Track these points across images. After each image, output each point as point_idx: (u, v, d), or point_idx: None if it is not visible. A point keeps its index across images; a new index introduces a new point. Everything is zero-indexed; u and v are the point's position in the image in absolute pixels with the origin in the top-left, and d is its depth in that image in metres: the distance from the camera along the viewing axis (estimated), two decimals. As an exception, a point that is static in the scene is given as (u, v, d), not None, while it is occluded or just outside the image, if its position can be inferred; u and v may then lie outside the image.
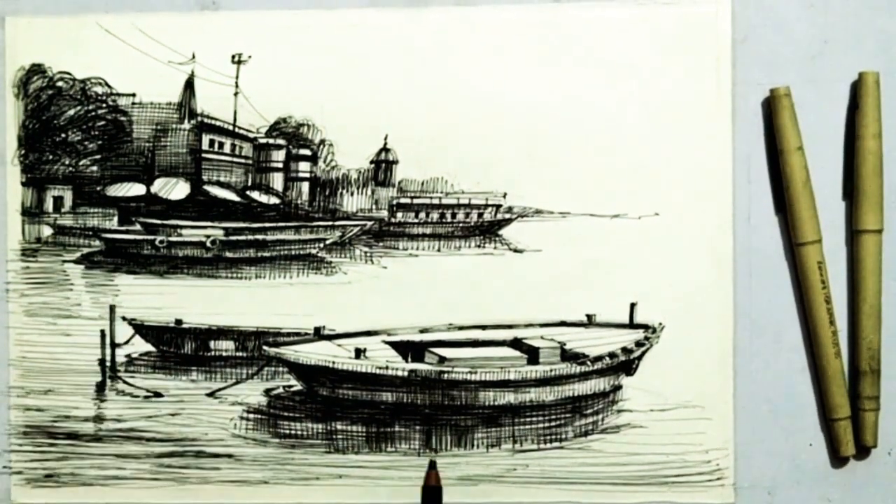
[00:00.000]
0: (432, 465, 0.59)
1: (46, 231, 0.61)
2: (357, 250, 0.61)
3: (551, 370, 0.60)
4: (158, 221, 0.61)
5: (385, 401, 0.60)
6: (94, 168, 0.61)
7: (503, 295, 0.60)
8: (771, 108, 0.58)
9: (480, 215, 0.60)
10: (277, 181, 0.62)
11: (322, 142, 0.60)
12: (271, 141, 0.61)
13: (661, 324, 0.59)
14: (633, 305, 0.59)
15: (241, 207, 0.61)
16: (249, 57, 0.60)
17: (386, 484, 0.60)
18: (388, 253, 0.61)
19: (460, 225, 0.61)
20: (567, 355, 0.60)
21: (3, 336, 0.61)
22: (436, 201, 0.60)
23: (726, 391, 0.59)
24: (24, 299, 0.61)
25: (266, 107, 0.60)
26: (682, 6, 0.59)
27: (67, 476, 0.60)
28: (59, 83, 0.61)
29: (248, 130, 0.61)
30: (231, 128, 0.61)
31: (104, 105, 0.61)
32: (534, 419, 0.60)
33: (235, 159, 0.61)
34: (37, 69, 0.61)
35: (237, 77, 0.60)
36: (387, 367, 0.59)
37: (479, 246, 0.60)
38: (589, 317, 0.60)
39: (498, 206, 0.60)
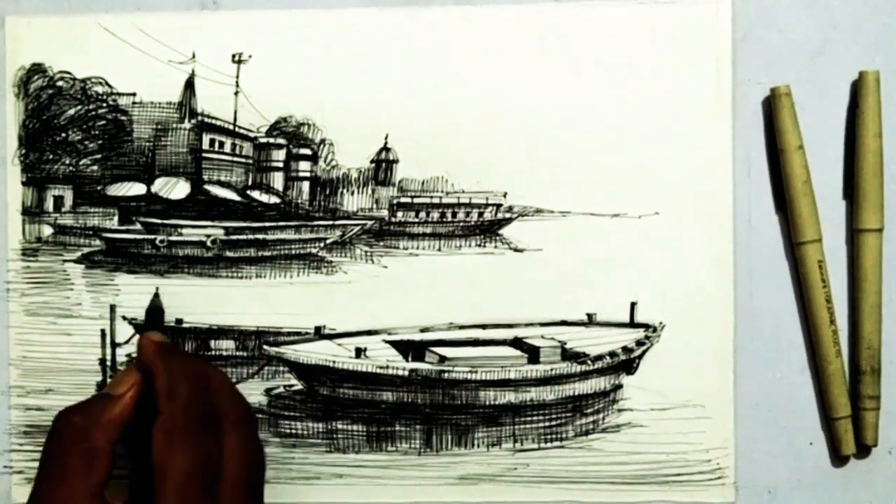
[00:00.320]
0: (156, 293, 0.60)
1: (47, 230, 0.61)
2: (357, 250, 0.61)
3: (552, 369, 0.60)
4: (159, 221, 0.61)
5: (385, 400, 0.60)
6: (95, 167, 0.61)
7: (503, 294, 0.60)
8: (771, 107, 0.58)
9: (481, 214, 0.60)
10: (278, 181, 0.62)
11: (322, 141, 0.60)
12: (272, 140, 0.61)
13: (661, 323, 0.59)
14: (633, 304, 0.59)
15: (241, 207, 0.61)
16: (250, 56, 0.60)
17: (386, 483, 0.60)
18: (389, 252, 0.61)
19: (461, 224, 0.61)
20: (567, 354, 0.60)
21: (3, 335, 0.61)
22: (436, 201, 0.60)
23: (727, 390, 0.59)
24: (25, 299, 0.61)
25: (266, 106, 0.60)
26: (682, 6, 0.59)
27: (68, 475, 0.60)
28: (60, 83, 0.61)
29: (248, 130, 0.61)
30: (231, 127, 0.61)
31: (104, 104, 0.61)
32: (534, 418, 0.60)
33: (236, 159, 0.61)
34: (37, 69, 0.61)
35: (237, 76, 0.60)
36: (387, 367, 0.60)
37: (479, 245, 0.60)
38: (589, 316, 0.60)
39: (498, 206, 0.60)
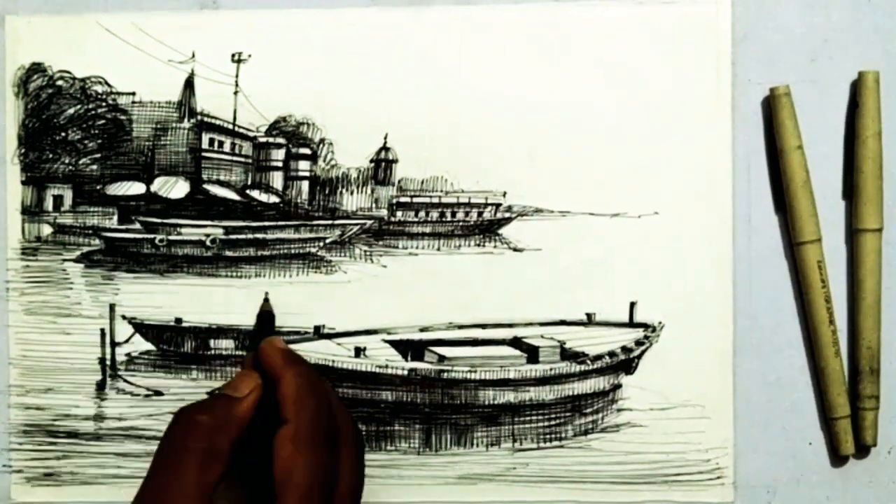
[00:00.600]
0: (266, 299, 0.60)
1: (46, 230, 0.61)
2: (357, 249, 0.61)
3: (551, 369, 0.60)
4: (158, 220, 0.61)
5: (385, 399, 0.60)
6: (94, 167, 0.61)
7: (503, 294, 0.60)
8: (771, 107, 0.58)
9: (480, 214, 0.60)
10: (277, 180, 0.62)
11: (322, 140, 0.60)
12: (271, 140, 0.61)
13: (660, 322, 0.59)
14: (632, 304, 0.59)
15: (240, 206, 0.61)
16: (249, 56, 0.60)
17: (385, 483, 0.60)
18: (388, 252, 0.61)
19: (460, 224, 0.61)
20: (567, 354, 0.60)
21: (2, 335, 0.61)
22: (436, 200, 0.60)
23: (726, 390, 0.59)
24: (24, 298, 0.61)
25: (266, 106, 0.60)
26: (682, 6, 0.59)
27: (67, 475, 0.60)
28: (59, 82, 0.61)
29: (247, 129, 0.61)
30: (231, 127, 0.61)
31: (104, 104, 0.61)
32: (533, 418, 0.60)
33: (235, 158, 0.61)
34: (37, 68, 0.61)
35: (237, 76, 0.60)
36: (387, 366, 0.59)
37: (478, 245, 0.60)
38: (589, 315, 0.60)
39: (498, 205, 0.60)
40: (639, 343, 0.59)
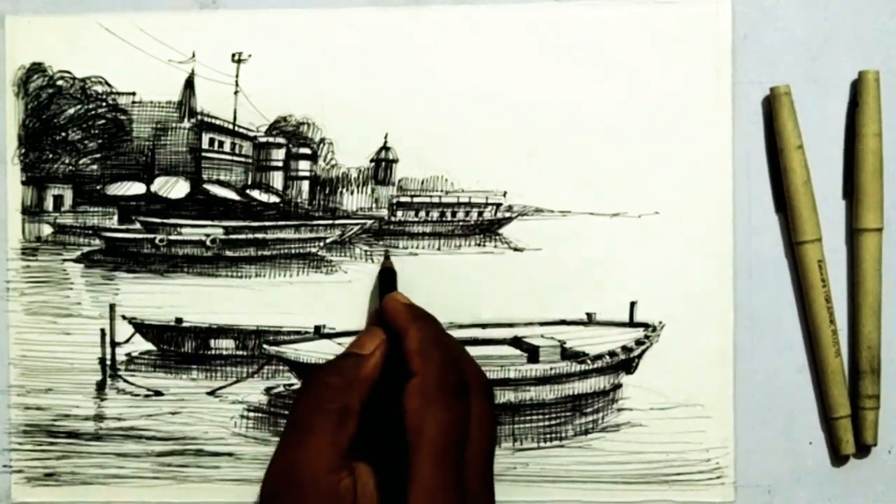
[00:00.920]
0: (387, 256, 0.60)
1: (46, 230, 0.61)
2: (357, 249, 0.61)
3: (551, 369, 0.60)
4: (158, 220, 0.61)
5: (385, 399, 0.60)
6: (94, 167, 0.61)
7: (503, 293, 0.60)
8: (771, 106, 0.58)
9: (480, 214, 0.60)
10: (277, 180, 0.62)
11: (322, 140, 0.60)
12: (271, 139, 0.61)
13: (661, 322, 0.59)
14: (633, 304, 0.59)
15: (240, 206, 0.61)
16: (249, 56, 0.60)
17: (386, 483, 0.60)
18: (389, 252, 0.61)
19: (460, 223, 0.61)
20: (567, 354, 0.60)
21: (3, 335, 0.61)
22: (436, 200, 0.60)
23: (726, 390, 0.59)
24: (24, 298, 0.61)
25: (266, 105, 0.60)
26: (682, 6, 0.59)
27: (68, 475, 0.60)
28: (60, 82, 0.61)
29: (247, 129, 0.61)
30: (231, 126, 0.61)
31: (104, 104, 0.61)
32: (534, 418, 0.60)
33: (235, 158, 0.61)
34: (37, 68, 0.61)
35: (237, 76, 0.60)
36: (387, 366, 0.59)
37: (479, 244, 0.60)
38: (589, 315, 0.60)
39: (498, 205, 0.60)
40: (639, 343, 0.59)
